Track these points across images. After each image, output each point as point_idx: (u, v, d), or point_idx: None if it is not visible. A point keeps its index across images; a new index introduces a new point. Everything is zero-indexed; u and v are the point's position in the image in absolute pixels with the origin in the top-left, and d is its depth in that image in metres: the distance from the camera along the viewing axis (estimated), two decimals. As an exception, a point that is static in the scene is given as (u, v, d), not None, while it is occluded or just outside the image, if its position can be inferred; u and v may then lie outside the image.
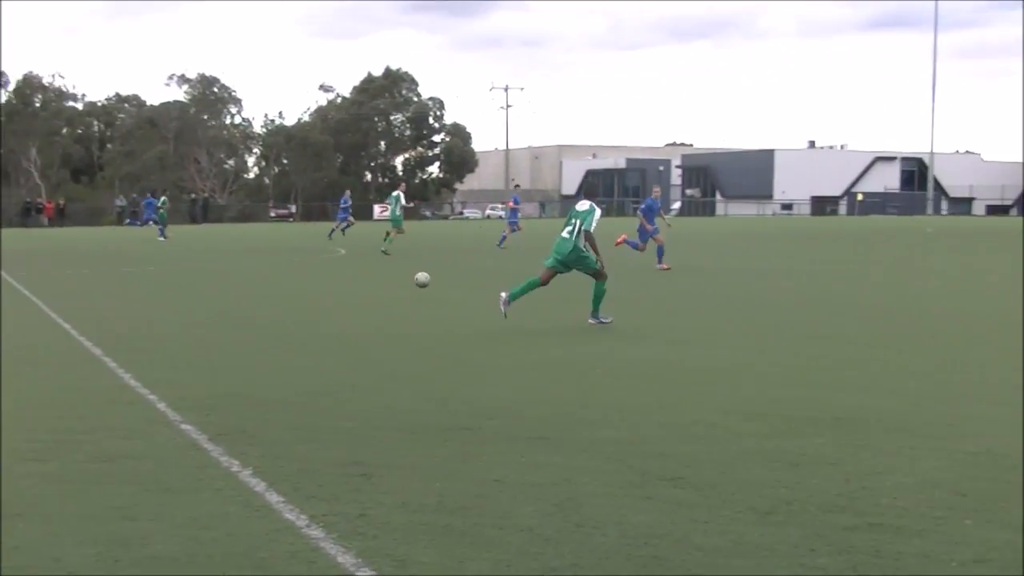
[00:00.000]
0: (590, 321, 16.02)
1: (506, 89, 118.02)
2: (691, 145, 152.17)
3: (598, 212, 16.28)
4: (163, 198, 56.36)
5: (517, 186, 50.40)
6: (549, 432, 8.87)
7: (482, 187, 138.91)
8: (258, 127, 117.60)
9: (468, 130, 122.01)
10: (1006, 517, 6.54)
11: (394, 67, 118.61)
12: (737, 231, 53.16)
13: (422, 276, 19.71)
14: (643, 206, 29.59)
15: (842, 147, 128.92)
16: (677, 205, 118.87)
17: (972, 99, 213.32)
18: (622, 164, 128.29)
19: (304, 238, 53.39)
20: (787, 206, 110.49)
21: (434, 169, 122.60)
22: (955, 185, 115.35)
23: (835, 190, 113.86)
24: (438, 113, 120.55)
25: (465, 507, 6.78)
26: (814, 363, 12.59)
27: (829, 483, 7.30)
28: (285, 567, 5.81)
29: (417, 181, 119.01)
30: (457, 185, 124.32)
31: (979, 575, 5.62)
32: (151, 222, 56.93)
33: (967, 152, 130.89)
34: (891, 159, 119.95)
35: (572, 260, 15.98)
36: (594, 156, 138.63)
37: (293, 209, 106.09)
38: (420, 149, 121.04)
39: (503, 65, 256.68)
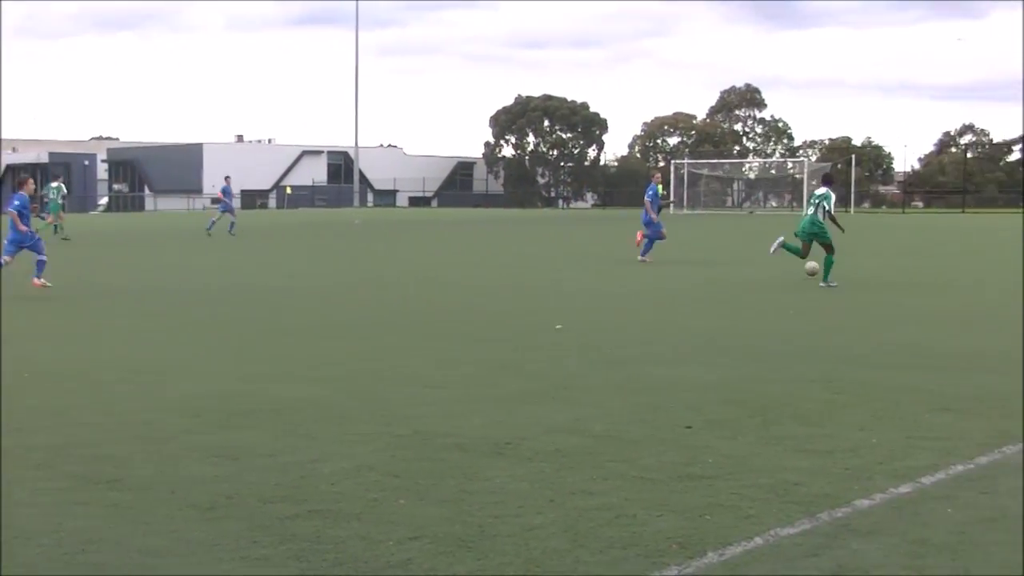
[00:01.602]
0: (821, 285, 20.20)
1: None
2: (117, 139, 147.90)
3: (833, 196, 21.04)
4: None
5: (228, 177, 51.45)
6: (-26, 442, 8.37)
7: None
8: None
9: None
10: (436, 494, 6.87)
11: None
12: (165, 228, 52.38)
13: (811, 265, 21.28)
14: (651, 192, 27.62)
15: (270, 141, 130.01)
16: (104, 200, 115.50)
17: (393, 95, 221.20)
18: (44, 158, 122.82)
19: None
20: (217, 200, 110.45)
21: None
22: (380, 178, 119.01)
23: (265, 183, 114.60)
24: None
25: None
26: (248, 355, 12.65)
27: (269, 474, 7.37)
28: None
29: None
30: None
31: (414, 551, 5.86)
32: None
33: (390, 146, 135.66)
34: (318, 153, 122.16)
35: (812, 232, 20.69)
36: (14, 150, 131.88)
37: None
38: None
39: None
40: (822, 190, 21.18)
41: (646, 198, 27.58)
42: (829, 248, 20.67)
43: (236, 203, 50.14)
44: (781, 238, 21.39)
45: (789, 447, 8.04)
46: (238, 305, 18.22)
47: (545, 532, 6.13)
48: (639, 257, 27.06)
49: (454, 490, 6.95)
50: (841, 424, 8.77)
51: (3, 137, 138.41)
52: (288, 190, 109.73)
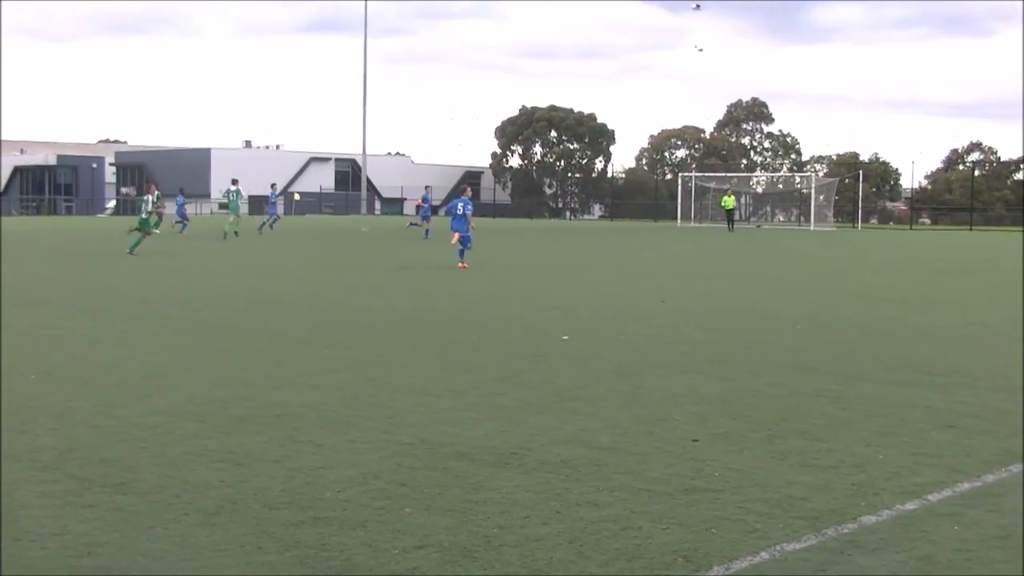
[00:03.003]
0: None
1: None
2: (125, 142, 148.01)
3: None
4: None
5: (428, 187, 56.29)
6: (-21, 443, 8.37)
7: None
8: None
9: None
10: (442, 503, 6.86)
11: None
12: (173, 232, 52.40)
13: None
14: None
15: (277, 147, 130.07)
16: (112, 204, 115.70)
17: (401, 103, 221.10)
18: (53, 160, 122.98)
19: None
20: (225, 205, 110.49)
21: None
22: (387, 186, 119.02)
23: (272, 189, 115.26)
24: None
25: None
26: (247, 361, 12.62)
27: (273, 480, 7.36)
28: None
29: None
30: None
31: (420, 560, 5.85)
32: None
33: (398, 154, 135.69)
34: (326, 160, 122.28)
35: None
36: (23, 151, 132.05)
37: None
38: None
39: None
40: None
41: None
42: None
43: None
44: None
45: (795, 462, 8.02)
46: (239, 311, 18.21)
47: (550, 543, 6.12)
48: None
49: (460, 499, 6.94)
50: (847, 440, 8.75)
51: (12, 139, 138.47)
52: (296, 196, 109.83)
